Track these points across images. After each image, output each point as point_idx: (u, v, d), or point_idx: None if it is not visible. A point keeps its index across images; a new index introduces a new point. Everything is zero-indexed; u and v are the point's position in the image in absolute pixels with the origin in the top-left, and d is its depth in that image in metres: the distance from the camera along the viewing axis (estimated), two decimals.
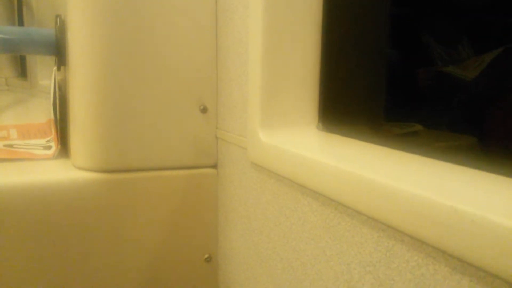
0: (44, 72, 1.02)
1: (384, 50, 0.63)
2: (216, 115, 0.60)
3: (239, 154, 0.55)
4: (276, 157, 0.45)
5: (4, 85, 1.22)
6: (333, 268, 0.39)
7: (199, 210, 0.61)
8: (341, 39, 0.58)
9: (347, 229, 0.37)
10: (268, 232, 0.49)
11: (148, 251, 0.59)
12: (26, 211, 0.52)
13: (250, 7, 0.48)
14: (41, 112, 0.84)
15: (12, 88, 1.19)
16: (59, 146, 0.62)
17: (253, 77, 0.49)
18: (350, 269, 0.37)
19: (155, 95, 0.56)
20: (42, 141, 0.66)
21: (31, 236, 0.53)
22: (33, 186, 0.52)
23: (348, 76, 0.60)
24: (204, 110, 0.59)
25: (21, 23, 1.13)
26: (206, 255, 0.62)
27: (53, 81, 0.63)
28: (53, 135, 0.65)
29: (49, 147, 0.63)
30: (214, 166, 0.61)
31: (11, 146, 0.63)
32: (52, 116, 0.65)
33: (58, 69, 0.64)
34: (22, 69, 1.23)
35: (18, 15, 1.16)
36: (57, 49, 0.62)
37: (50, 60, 0.77)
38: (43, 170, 0.56)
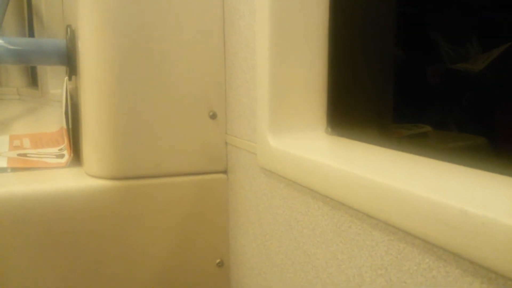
0: (55, 81, 1.04)
1: (392, 51, 0.64)
2: (225, 121, 0.61)
3: (248, 160, 0.55)
4: (286, 162, 0.45)
5: (16, 94, 1.24)
6: (345, 271, 0.39)
7: (210, 215, 0.61)
8: (348, 42, 0.58)
9: (357, 233, 0.37)
10: (279, 236, 0.50)
11: (160, 257, 0.59)
12: (40, 219, 0.53)
13: (257, 12, 0.49)
14: (53, 121, 0.86)
15: (24, 97, 1.21)
16: (72, 155, 0.63)
17: (261, 82, 0.49)
18: (362, 273, 0.37)
19: (165, 102, 0.57)
20: (55, 150, 0.67)
21: (45, 243, 0.53)
22: (47, 195, 0.53)
23: (356, 79, 0.60)
24: (213, 116, 0.60)
25: (31, 33, 1.15)
26: (218, 260, 0.62)
27: (64, 90, 0.64)
28: (65, 143, 0.66)
29: (62, 156, 0.64)
30: (224, 172, 0.61)
31: (25, 155, 0.64)
32: (64, 125, 0.66)
33: (70, 78, 0.65)
34: (33, 79, 1.25)
35: (29, 25, 1.18)
36: (68, 59, 0.63)
37: (61, 69, 0.78)
38: (56, 179, 0.57)
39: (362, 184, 0.34)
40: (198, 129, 0.59)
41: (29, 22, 1.18)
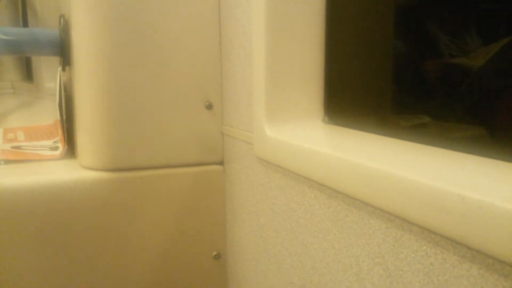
0: (49, 75, 1.03)
1: (391, 41, 0.63)
2: (221, 111, 0.60)
3: (245, 150, 0.54)
4: (282, 151, 0.45)
5: (10, 88, 1.23)
6: (342, 261, 0.39)
7: (207, 207, 0.61)
8: (346, 31, 0.58)
9: (354, 221, 0.36)
10: (276, 227, 0.49)
11: (157, 249, 0.59)
12: (35, 211, 0.52)
13: (253, 1, 0.48)
14: (47, 114, 0.85)
15: (18, 91, 1.20)
16: (66, 147, 0.62)
17: (257, 72, 0.48)
18: (359, 261, 0.36)
19: (160, 93, 0.56)
20: (49, 142, 0.67)
21: (40, 236, 0.53)
22: (41, 187, 0.52)
23: (354, 68, 0.59)
24: (209, 106, 0.59)
25: (25, 23, 1.14)
26: (215, 253, 0.62)
27: (58, 81, 0.63)
28: (59, 135, 0.66)
29: (56, 148, 0.63)
30: (221, 163, 0.61)
31: (18, 147, 0.64)
32: (58, 117, 0.65)
33: (63, 69, 0.64)
34: (27, 72, 1.23)
35: (23, 16, 1.17)
36: (62, 50, 0.62)
37: (56, 62, 0.77)
38: (50, 171, 0.56)
39: (358, 171, 0.34)
40: (193, 120, 0.59)
41: (22, 11, 1.17)
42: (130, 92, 0.55)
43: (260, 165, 0.51)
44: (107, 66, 0.54)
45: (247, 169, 0.55)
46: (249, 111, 0.53)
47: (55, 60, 0.71)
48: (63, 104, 0.64)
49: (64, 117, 0.64)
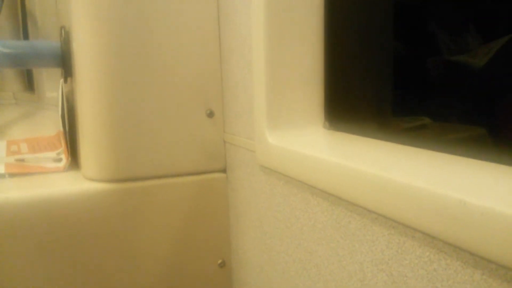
0: (51, 85, 1.03)
1: (390, 43, 0.63)
2: (223, 119, 0.60)
3: (247, 157, 0.55)
4: (284, 159, 0.45)
5: (12, 99, 1.23)
6: (346, 268, 0.39)
7: (211, 215, 0.61)
8: (345, 35, 0.58)
9: (358, 228, 0.37)
10: (280, 234, 0.49)
11: (161, 258, 0.59)
12: (38, 224, 0.52)
13: (252, 8, 0.48)
14: (50, 125, 0.85)
15: (20, 102, 1.21)
16: (70, 158, 0.63)
17: (258, 79, 0.49)
18: (363, 268, 0.37)
19: (161, 103, 0.57)
20: (53, 154, 0.67)
21: (45, 248, 0.53)
22: (45, 200, 0.53)
23: (353, 72, 0.60)
24: (210, 114, 0.59)
25: (26, 35, 1.15)
26: (220, 261, 0.62)
27: (60, 93, 0.64)
28: (63, 147, 0.66)
29: (60, 160, 0.64)
30: (223, 171, 0.61)
31: (22, 160, 0.64)
32: (61, 128, 0.66)
33: (65, 80, 0.64)
34: (29, 83, 1.24)
35: (23, 27, 1.18)
36: (63, 61, 0.63)
37: (57, 72, 0.78)
38: (54, 183, 0.56)
39: (360, 178, 0.34)
40: (195, 128, 0.59)
41: (23, 23, 1.18)
42: (131, 102, 0.55)
43: (262, 172, 0.52)
44: (109, 77, 0.55)
45: (249, 177, 0.55)
46: (250, 118, 0.53)
47: (56, 70, 0.72)
48: (66, 115, 0.64)
49: (67, 129, 0.64)
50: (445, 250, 0.29)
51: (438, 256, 0.29)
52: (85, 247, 0.55)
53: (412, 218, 0.30)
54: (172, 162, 0.58)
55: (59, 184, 0.56)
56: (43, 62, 0.66)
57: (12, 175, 0.58)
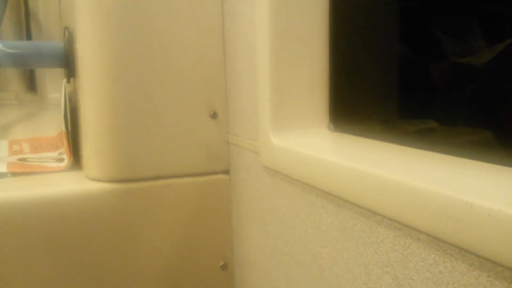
0: (53, 86, 1.03)
1: (395, 45, 0.63)
2: (226, 120, 0.60)
3: (251, 159, 0.55)
4: (289, 160, 0.45)
5: (14, 99, 1.23)
6: (351, 270, 0.38)
7: (213, 217, 0.61)
8: (350, 37, 0.58)
9: (363, 230, 0.36)
10: (284, 236, 0.49)
11: (163, 259, 0.59)
12: (40, 224, 0.52)
13: (256, 9, 0.48)
14: (52, 125, 0.85)
15: (22, 102, 1.21)
16: (72, 158, 0.62)
17: (262, 80, 0.49)
18: (368, 270, 0.36)
19: (165, 103, 0.57)
20: (55, 154, 0.67)
21: (45, 248, 0.53)
22: (47, 199, 0.53)
23: (358, 74, 0.60)
24: (214, 115, 0.59)
25: (29, 35, 1.15)
26: (222, 263, 0.62)
27: (63, 93, 0.64)
28: (65, 147, 0.66)
29: (62, 160, 0.64)
30: (227, 172, 0.61)
31: (24, 160, 0.64)
32: (63, 128, 0.66)
33: (68, 81, 0.64)
34: (31, 83, 1.24)
35: (26, 28, 1.18)
36: (66, 61, 0.63)
37: (59, 73, 0.78)
38: (56, 183, 0.56)
39: (365, 180, 0.34)
40: (199, 129, 0.59)
41: (26, 25, 1.18)
42: (134, 102, 0.55)
43: (266, 174, 0.51)
44: (112, 77, 0.55)
45: (253, 178, 0.55)
46: (254, 120, 0.53)
47: (59, 71, 0.72)
48: (68, 115, 0.64)
49: (69, 129, 0.64)
50: (450, 253, 0.28)
51: (444, 258, 0.29)
52: (86, 247, 0.55)
53: (418, 220, 0.30)
54: (175, 163, 0.58)
55: (61, 183, 0.56)
56: (46, 62, 0.66)
57: (14, 174, 0.58)
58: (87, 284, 0.55)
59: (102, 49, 0.54)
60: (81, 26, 0.56)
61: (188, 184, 0.59)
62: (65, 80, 0.64)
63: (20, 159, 0.64)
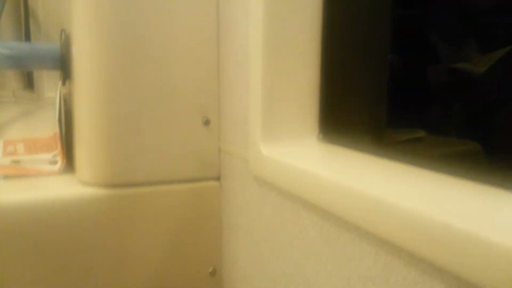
0: (51, 84, 1.04)
1: (386, 55, 0.63)
2: (219, 127, 0.61)
3: (241, 167, 0.55)
4: (277, 171, 0.45)
5: (11, 97, 1.24)
6: (334, 282, 0.39)
7: (203, 223, 0.61)
8: (341, 48, 0.58)
9: (346, 244, 0.37)
10: (270, 245, 0.50)
11: (152, 265, 0.59)
12: (31, 228, 0.52)
13: (251, 19, 0.49)
14: (47, 125, 0.86)
15: (19, 100, 1.21)
16: (65, 161, 0.63)
17: (254, 89, 0.49)
18: (351, 284, 0.37)
19: (158, 109, 0.57)
20: (49, 156, 0.67)
21: (36, 253, 0.53)
22: (38, 203, 0.53)
23: (348, 85, 0.60)
24: (207, 122, 0.60)
25: (27, 36, 1.15)
26: (211, 269, 0.62)
27: (58, 95, 0.64)
28: (59, 149, 0.66)
29: (55, 162, 0.64)
30: (217, 179, 0.61)
31: (18, 162, 0.64)
32: (57, 130, 0.66)
33: (63, 83, 0.65)
34: (29, 81, 1.25)
35: (25, 28, 1.18)
36: (62, 64, 0.63)
37: (57, 73, 0.78)
38: (48, 186, 0.57)
39: (349, 195, 0.34)
40: (191, 136, 0.59)
41: (25, 24, 1.18)
42: (128, 107, 0.56)
43: (255, 182, 0.52)
44: (107, 81, 0.55)
45: (243, 186, 0.55)
46: (245, 128, 0.53)
47: (56, 72, 0.72)
48: (63, 118, 0.64)
49: (63, 131, 0.64)
50: (430, 272, 0.29)
51: (423, 277, 0.29)
52: (76, 251, 0.55)
53: (398, 237, 0.30)
54: (167, 169, 0.58)
55: (53, 187, 0.56)
56: (42, 64, 0.66)
57: (6, 177, 0.58)
58: (76, 287, 0.56)
59: (98, 53, 0.55)
60: (78, 29, 0.56)
61: (180, 190, 0.59)
62: (60, 82, 0.65)
63: (13, 161, 0.65)
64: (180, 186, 0.59)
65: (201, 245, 0.61)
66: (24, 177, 0.59)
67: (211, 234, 0.61)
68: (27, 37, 1.16)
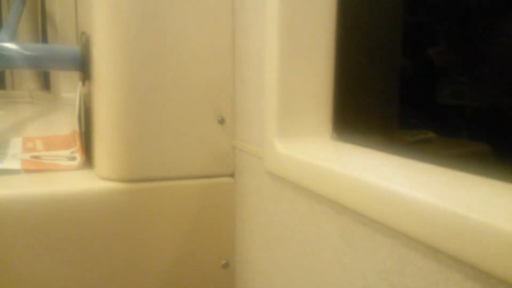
0: (67, 85, 1.06)
1: (399, 57, 0.64)
2: (233, 126, 0.62)
3: (256, 164, 0.56)
4: (292, 167, 0.46)
5: (28, 97, 1.26)
6: (349, 275, 0.40)
7: (217, 218, 0.62)
8: (355, 49, 0.59)
9: (361, 237, 0.38)
10: (285, 240, 0.51)
11: (167, 257, 0.60)
12: (50, 220, 0.54)
13: (267, 20, 0.50)
14: (64, 124, 0.87)
15: (36, 100, 1.24)
16: (84, 157, 0.64)
17: (269, 89, 0.50)
18: (365, 276, 0.38)
19: (175, 108, 0.59)
20: (67, 152, 0.69)
21: (55, 245, 0.55)
22: (58, 196, 0.54)
23: (361, 86, 0.61)
24: (221, 121, 0.61)
25: (45, 38, 1.18)
26: (223, 262, 0.63)
27: (78, 95, 0.66)
28: (77, 146, 0.68)
29: (74, 158, 0.66)
30: (232, 175, 0.63)
31: (38, 157, 0.66)
32: (77, 128, 0.68)
33: (83, 83, 0.67)
34: (45, 82, 1.27)
35: (42, 31, 1.21)
36: (82, 65, 0.65)
37: (73, 73, 0.80)
38: (68, 181, 0.58)
39: (365, 188, 0.35)
40: (206, 134, 0.61)
41: (42, 27, 1.21)
42: (146, 106, 0.57)
43: (270, 179, 0.53)
44: (125, 81, 0.57)
45: (257, 183, 0.56)
46: (260, 126, 0.54)
47: (74, 73, 0.74)
48: (82, 116, 0.66)
49: (82, 129, 0.66)
50: (446, 263, 0.30)
51: (439, 268, 0.30)
52: (94, 244, 0.56)
53: (415, 230, 0.31)
54: (183, 165, 0.60)
55: (73, 181, 0.58)
56: (62, 65, 0.68)
57: (27, 171, 0.60)
58: (94, 280, 0.57)
59: (117, 55, 0.56)
60: (98, 32, 0.58)
61: (195, 186, 0.60)
62: (80, 83, 0.66)
63: (33, 157, 0.66)
64: (195, 182, 0.60)
65: (215, 238, 0.62)
66: (43, 171, 0.61)
67: (224, 228, 0.63)
68: (44, 40, 1.19)
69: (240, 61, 0.59)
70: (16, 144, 0.74)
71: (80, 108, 0.65)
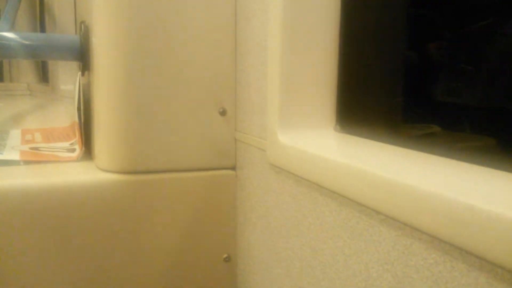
0: (65, 78, 1.05)
1: (403, 49, 0.64)
2: (235, 118, 0.61)
3: (257, 156, 0.56)
4: (295, 158, 0.46)
5: (26, 90, 1.25)
6: (352, 267, 0.39)
7: (218, 211, 0.62)
8: (359, 41, 0.59)
9: (365, 228, 0.37)
10: (287, 232, 0.50)
11: (168, 251, 0.60)
12: (50, 212, 0.54)
13: (269, 11, 0.49)
14: (63, 116, 0.87)
15: (34, 93, 1.23)
16: (83, 149, 0.64)
17: (272, 80, 0.50)
18: (368, 268, 0.37)
19: (176, 99, 0.58)
20: (66, 144, 0.68)
21: (55, 236, 0.54)
22: (58, 187, 0.54)
23: (365, 78, 0.60)
24: (223, 112, 0.61)
25: (43, 28, 1.17)
26: (225, 255, 0.63)
27: (77, 85, 0.65)
28: (77, 137, 0.67)
29: (73, 150, 0.65)
30: (233, 168, 0.62)
31: (37, 149, 0.65)
32: (76, 119, 0.67)
33: (82, 74, 0.66)
34: (43, 75, 1.26)
35: (40, 20, 1.20)
36: (82, 55, 0.64)
37: (72, 66, 0.79)
38: (67, 172, 0.58)
39: (369, 180, 0.35)
40: (208, 126, 0.60)
41: (40, 17, 1.20)
42: (147, 97, 0.57)
43: (272, 171, 0.53)
44: (125, 72, 0.56)
45: (259, 175, 0.56)
46: (262, 118, 0.54)
47: (71, 64, 0.73)
48: (82, 107, 0.66)
49: (82, 120, 0.66)
50: (451, 253, 0.29)
51: (444, 258, 0.30)
52: (93, 236, 0.56)
53: (420, 220, 0.31)
54: (184, 157, 0.59)
55: (72, 173, 0.57)
56: (61, 55, 0.68)
57: (26, 162, 0.60)
58: (94, 272, 0.57)
59: (117, 44, 0.56)
60: (98, 21, 0.57)
61: (196, 178, 0.60)
62: (79, 73, 0.66)
63: (32, 148, 0.66)
64: (196, 174, 0.60)
65: (216, 231, 0.62)
66: (43, 163, 0.60)
67: (226, 221, 0.62)
68: (42, 29, 1.18)
69: (241, 51, 0.59)
70: (14, 136, 0.73)
71: (79, 99, 0.65)
